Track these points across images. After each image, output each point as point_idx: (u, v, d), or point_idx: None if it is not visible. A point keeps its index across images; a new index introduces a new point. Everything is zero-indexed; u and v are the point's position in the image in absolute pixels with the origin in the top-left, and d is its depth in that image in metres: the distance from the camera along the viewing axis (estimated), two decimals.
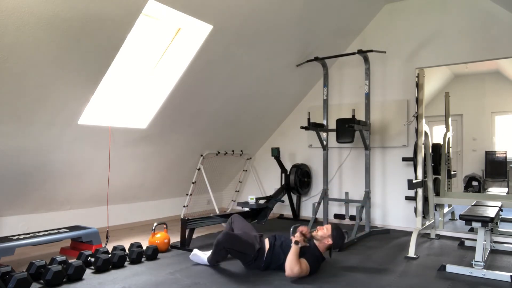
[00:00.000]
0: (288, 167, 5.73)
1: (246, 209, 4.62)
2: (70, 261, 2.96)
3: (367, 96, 4.63)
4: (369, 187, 4.62)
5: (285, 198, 5.68)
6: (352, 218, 4.69)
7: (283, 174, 5.74)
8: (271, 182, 6.19)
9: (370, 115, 4.74)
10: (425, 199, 4.34)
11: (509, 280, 2.92)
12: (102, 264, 3.07)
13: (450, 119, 4.88)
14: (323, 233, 3.10)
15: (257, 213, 4.67)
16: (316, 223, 4.72)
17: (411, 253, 3.62)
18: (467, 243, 4.04)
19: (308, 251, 3.02)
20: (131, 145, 4.36)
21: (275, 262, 3.09)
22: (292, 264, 2.87)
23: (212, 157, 5.58)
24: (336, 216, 5.02)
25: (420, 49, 4.94)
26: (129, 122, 4.22)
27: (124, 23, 3.15)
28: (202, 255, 3.33)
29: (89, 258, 3.21)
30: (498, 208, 3.48)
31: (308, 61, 5.01)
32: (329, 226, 3.15)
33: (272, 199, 5.01)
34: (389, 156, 5.16)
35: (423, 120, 4.32)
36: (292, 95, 5.77)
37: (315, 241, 3.11)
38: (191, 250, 3.52)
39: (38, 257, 3.36)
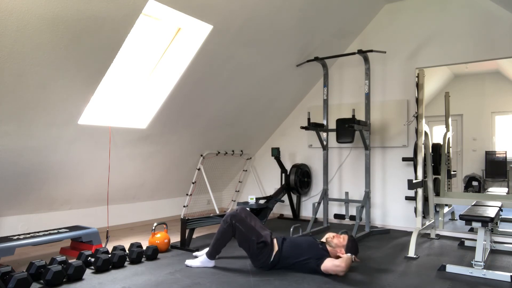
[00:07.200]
0: (288, 167, 5.73)
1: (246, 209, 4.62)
2: (70, 261, 2.96)
3: (367, 96, 4.63)
4: (369, 187, 4.62)
5: (285, 198, 5.68)
6: (352, 218, 4.69)
7: (283, 174, 5.74)
8: (271, 182, 6.19)
9: (370, 115, 4.73)
10: (425, 199, 4.34)
11: (509, 280, 2.92)
12: (102, 264, 3.07)
13: (450, 119, 4.88)
14: (339, 241, 3.14)
15: (257, 213, 4.66)
16: (316, 223, 4.73)
17: (411, 253, 3.62)
18: (467, 243, 4.04)
19: (323, 254, 3.07)
20: (131, 145, 4.36)
21: (282, 263, 3.13)
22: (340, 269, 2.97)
23: (212, 157, 5.58)
24: (336, 216, 5.01)
25: (420, 49, 4.94)
26: (129, 122, 4.22)
27: (124, 23, 3.15)
28: (193, 261, 3.26)
29: (89, 258, 3.20)
30: (498, 208, 3.48)
31: (308, 61, 5.02)
32: (346, 237, 3.17)
33: (272, 199, 5.00)
34: (389, 156, 5.16)
35: (423, 120, 4.32)
36: (292, 95, 5.77)
37: (327, 247, 3.14)
38: (191, 250, 3.51)
39: (38, 257, 3.36)
